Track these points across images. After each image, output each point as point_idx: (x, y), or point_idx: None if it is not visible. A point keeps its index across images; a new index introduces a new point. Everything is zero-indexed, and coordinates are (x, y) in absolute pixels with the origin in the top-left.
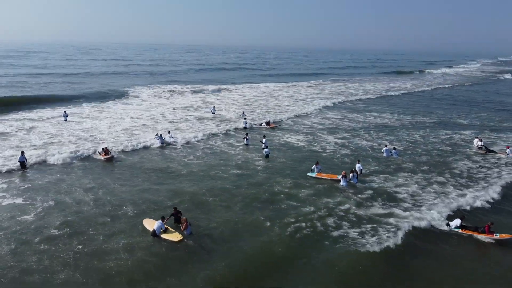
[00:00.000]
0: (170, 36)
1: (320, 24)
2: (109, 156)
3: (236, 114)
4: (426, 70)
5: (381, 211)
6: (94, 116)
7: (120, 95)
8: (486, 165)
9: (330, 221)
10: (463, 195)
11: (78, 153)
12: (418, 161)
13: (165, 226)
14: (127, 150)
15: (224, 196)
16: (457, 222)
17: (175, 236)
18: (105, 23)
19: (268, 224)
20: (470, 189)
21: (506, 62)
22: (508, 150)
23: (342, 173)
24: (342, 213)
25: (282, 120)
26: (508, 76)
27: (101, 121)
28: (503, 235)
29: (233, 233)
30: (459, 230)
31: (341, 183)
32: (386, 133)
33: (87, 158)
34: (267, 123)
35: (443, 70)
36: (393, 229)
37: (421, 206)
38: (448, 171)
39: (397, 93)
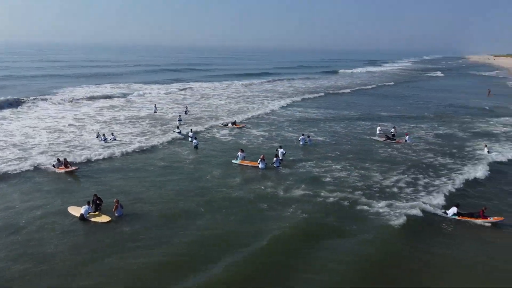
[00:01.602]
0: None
1: (271, 25)
2: (71, 169)
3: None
4: (356, 69)
5: (308, 192)
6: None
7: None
8: (404, 150)
9: (260, 204)
10: (385, 177)
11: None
12: (341, 149)
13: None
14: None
15: (156, 186)
16: (453, 210)
17: (103, 218)
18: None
19: (202, 210)
20: (392, 172)
21: (431, 61)
22: (407, 137)
23: (261, 156)
24: (269, 196)
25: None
26: (439, 73)
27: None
28: (496, 218)
29: (166, 218)
30: (456, 217)
31: (260, 166)
32: (307, 125)
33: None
34: (233, 123)
35: (373, 68)
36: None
37: (347, 187)
38: (370, 157)
39: (322, 92)
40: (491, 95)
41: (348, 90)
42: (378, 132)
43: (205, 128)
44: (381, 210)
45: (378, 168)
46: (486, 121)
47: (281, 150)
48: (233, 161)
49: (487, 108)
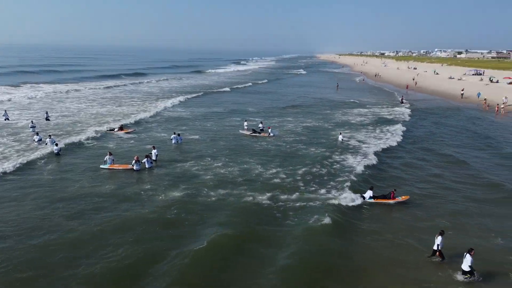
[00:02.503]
0: None
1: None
2: None
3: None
4: (225, 68)
5: (190, 192)
6: None
7: None
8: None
9: (138, 209)
10: (266, 169)
11: None
12: (217, 146)
13: None
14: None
15: (13, 202)
16: (369, 193)
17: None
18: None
19: (72, 224)
20: (271, 164)
21: (290, 59)
22: (270, 130)
23: (135, 157)
24: (148, 200)
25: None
26: (302, 71)
27: None
28: (403, 197)
29: (26, 237)
30: (372, 200)
31: (135, 167)
32: (178, 123)
33: None
34: (120, 128)
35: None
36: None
37: (230, 183)
38: (246, 151)
39: (192, 90)
40: (338, 90)
41: (230, 89)
42: (245, 127)
43: (73, 134)
44: (263, 202)
45: (258, 161)
46: (344, 112)
47: (154, 151)
48: (102, 166)
49: (357, 101)
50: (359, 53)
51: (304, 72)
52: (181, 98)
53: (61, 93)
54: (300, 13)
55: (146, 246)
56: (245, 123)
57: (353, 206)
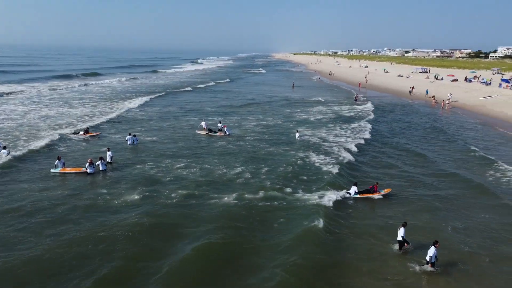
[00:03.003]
0: None
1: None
2: None
3: None
4: (181, 68)
5: (149, 194)
6: None
7: None
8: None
9: (95, 215)
10: (231, 169)
11: None
12: (177, 146)
13: None
14: None
15: None
16: (354, 188)
17: None
18: None
19: (20, 236)
20: (234, 164)
21: (247, 58)
22: (225, 129)
23: (88, 160)
24: (105, 205)
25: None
26: (262, 70)
27: None
28: (386, 190)
29: None
30: (358, 195)
31: (89, 170)
32: (133, 124)
33: None
34: (86, 131)
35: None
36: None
37: (192, 184)
38: (207, 151)
39: (163, 91)
40: (294, 88)
41: (189, 88)
42: (203, 127)
43: (21, 138)
44: (231, 203)
45: (220, 161)
46: (303, 111)
47: (109, 152)
48: (52, 170)
49: (322, 100)
50: (313, 52)
51: (264, 71)
52: (137, 99)
53: (1, 96)
54: (256, 13)
55: (113, 264)
56: (203, 123)
57: (334, 203)
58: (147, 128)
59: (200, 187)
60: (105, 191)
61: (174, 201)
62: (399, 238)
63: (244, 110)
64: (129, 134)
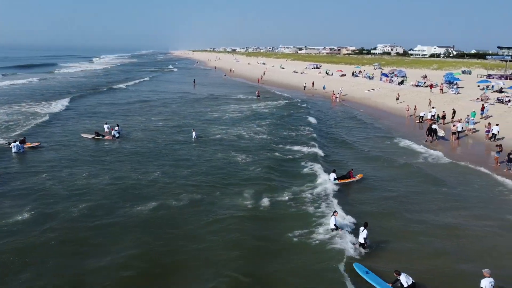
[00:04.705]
0: None
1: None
2: None
3: None
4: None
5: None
6: None
7: None
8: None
9: None
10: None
11: None
12: (72, 153)
13: None
14: None
15: None
16: (333, 175)
17: None
18: None
19: None
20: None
21: (145, 55)
22: (113, 132)
23: None
24: None
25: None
26: (174, 69)
27: None
28: (358, 175)
29: None
30: (337, 181)
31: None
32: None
33: None
34: (22, 141)
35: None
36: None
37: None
38: (110, 157)
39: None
40: (196, 86)
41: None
42: (106, 130)
43: None
44: (154, 212)
45: (130, 167)
46: (215, 109)
47: None
48: None
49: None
50: (212, 49)
51: (176, 69)
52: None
53: None
54: (152, 10)
55: None
56: (106, 126)
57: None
58: (31, 134)
59: (111, 196)
60: None
61: (75, 215)
62: (332, 226)
63: (144, 111)
64: (15, 141)
